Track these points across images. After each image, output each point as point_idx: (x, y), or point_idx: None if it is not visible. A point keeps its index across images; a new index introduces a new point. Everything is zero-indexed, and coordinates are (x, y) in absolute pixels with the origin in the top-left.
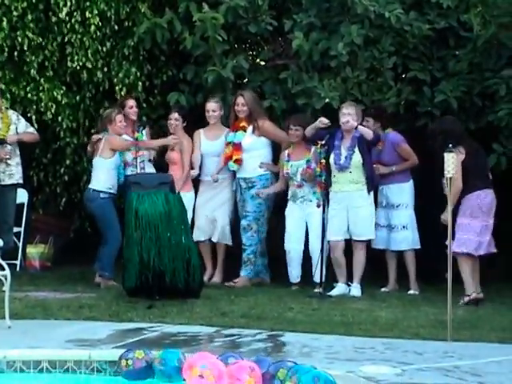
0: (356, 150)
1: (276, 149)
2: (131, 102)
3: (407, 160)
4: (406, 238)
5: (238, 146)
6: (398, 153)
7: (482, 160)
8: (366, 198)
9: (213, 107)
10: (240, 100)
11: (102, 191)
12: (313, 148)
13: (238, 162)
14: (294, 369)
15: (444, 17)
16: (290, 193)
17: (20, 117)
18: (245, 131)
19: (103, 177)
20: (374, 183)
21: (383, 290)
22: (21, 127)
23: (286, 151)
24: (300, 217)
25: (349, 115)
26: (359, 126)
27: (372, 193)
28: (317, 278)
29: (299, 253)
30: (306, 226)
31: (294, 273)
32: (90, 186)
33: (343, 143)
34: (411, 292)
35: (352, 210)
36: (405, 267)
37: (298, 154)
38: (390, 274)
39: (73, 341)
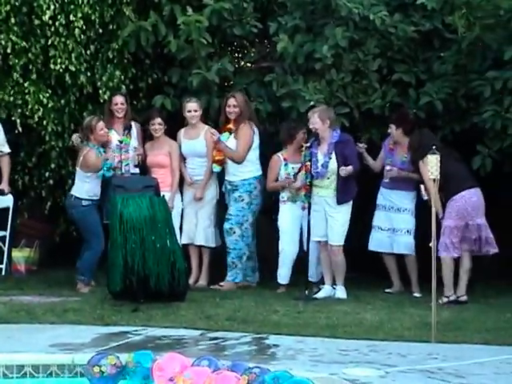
0: (333, 156)
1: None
2: (117, 99)
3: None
4: (409, 243)
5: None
6: None
7: (458, 162)
8: (341, 204)
9: (194, 107)
10: (231, 101)
11: (84, 199)
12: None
13: (219, 162)
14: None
15: (429, 19)
16: (288, 194)
17: (1, 128)
18: (230, 133)
19: (86, 186)
20: (348, 194)
21: (387, 290)
22: None
23: (280, 155)
24: (298, 218)
25: (313, 124)
26: (364, 155)
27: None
28: (314, 278)
29: (293, 254)
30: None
31: (284, 274)
32: (72, 191)
33: (320, 149)
34: (416, 295)
35: (328, 215)
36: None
37: (294, 156)
38: (393, 276)
39: (57, 345)
